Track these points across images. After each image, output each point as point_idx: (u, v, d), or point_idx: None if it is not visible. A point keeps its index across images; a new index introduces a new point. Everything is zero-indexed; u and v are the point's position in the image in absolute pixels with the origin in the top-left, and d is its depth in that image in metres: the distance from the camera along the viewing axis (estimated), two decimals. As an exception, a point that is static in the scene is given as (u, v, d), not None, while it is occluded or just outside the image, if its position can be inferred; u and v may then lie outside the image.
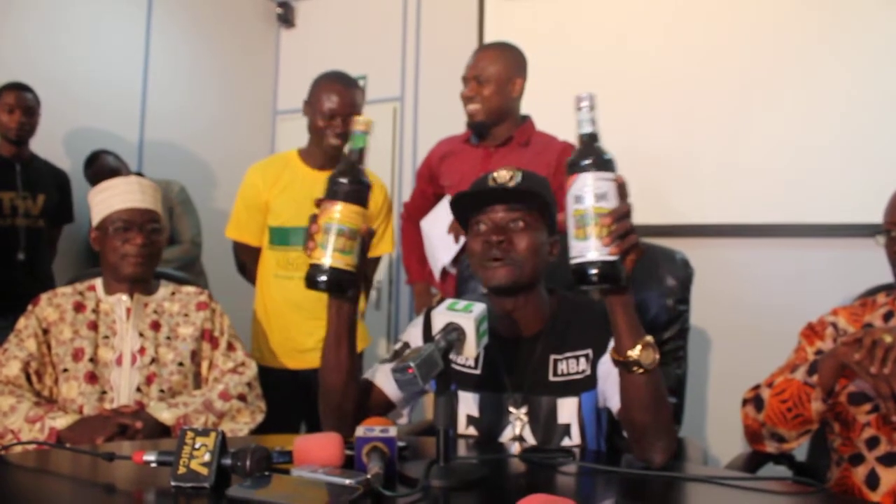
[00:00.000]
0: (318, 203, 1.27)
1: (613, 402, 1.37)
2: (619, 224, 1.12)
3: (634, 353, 1.20)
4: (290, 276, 2.46)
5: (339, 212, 1.24)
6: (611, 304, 1.22)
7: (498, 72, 2.40)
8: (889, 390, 1.29)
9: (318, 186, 2.47)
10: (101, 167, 3.40)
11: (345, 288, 1.27)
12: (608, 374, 1.40)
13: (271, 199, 2.50)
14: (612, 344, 1.42)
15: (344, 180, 1.25)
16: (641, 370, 1.21)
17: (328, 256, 1.23)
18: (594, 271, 1.11)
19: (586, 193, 1.12)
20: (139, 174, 3.59)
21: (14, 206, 2.98)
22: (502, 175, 1.46)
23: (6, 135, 2.99)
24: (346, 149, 1.31)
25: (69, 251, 3.40)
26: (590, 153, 1.14)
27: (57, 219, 3.19)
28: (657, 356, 1.21)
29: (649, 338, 1.22)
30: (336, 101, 2.42)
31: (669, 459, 1.26)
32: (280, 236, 2.50)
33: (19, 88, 3.00)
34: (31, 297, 1.96)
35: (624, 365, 1.22)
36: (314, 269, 1.24)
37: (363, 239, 1.28)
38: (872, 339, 1.33)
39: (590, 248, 1.11)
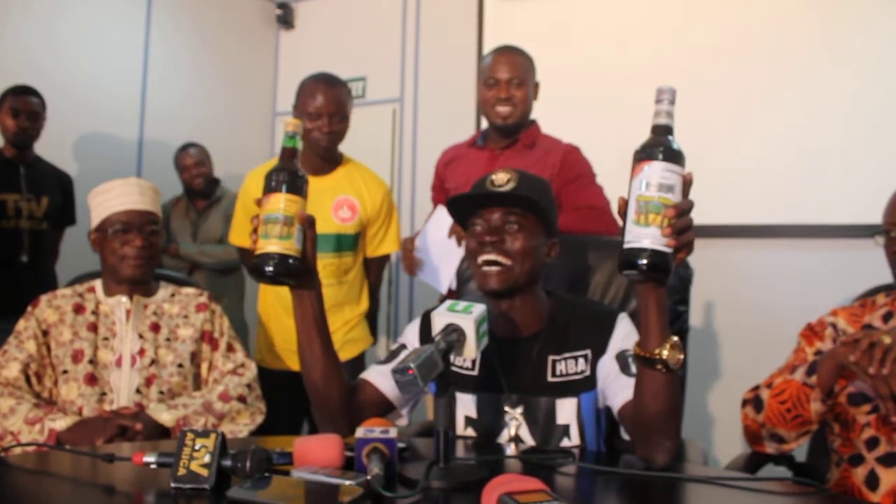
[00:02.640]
0: (259, 202, 1.32)
1: (615, 402, 1.37)
2: (682, 219, 1.11)
3: (662, 351, 1.17)
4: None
5: (275, 201, 1.29)
6: (645, 299, 1.19)
7: (529, 75, 2.42)
8: (888, 391, 1.29)
9: (311, 193, 2.48)
10: (183, 156, 3.74)
11: (291, 273, 1.29)
12: (608, 374, 1.40)
13: None
14: (612, 343, 1.43)
15: (278, 174, 1.31)
16: (664, 369, 1.18)
17: (270, 244, 1.27)
18: (645, 259, 1.09)
19: (654, 181, 1.11)
20: (216, 181, 3.66)
21: (18, 207, 2.99)
22: (500, 178, 1.46)
23: (9, 138, 3.00)
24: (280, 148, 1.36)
25: (78, 253, 3.41)
26: (662, 143, 1.13)
27: (60, 221, 3.19)
28: (681, 357, 1.19)
29: (676, 339, 1.19)
30: (321, 100, 2.42)
31: (671, 461, 1.26)
32: None
33: (24, 93, 3.01)
34: (33, 298, 1.96)
35: (648, 361, 1.19)
36: (259, 259, 1.29)
37: (303, 226, 1.31)
38: (871, 340, 1.33)
39: (647, 235, 1.09)
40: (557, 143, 2.47)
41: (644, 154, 1.13)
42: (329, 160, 2.54)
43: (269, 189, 1.31)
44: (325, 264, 2.46)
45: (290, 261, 1.28)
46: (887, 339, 1.31)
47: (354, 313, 2.60)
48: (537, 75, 2.48)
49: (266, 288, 2.56)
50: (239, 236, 2.62)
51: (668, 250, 1.10)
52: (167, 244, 3.68)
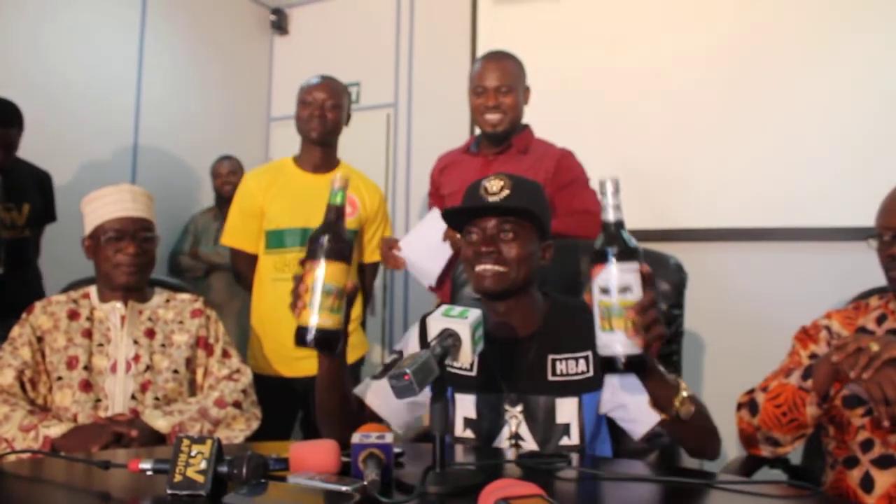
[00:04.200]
0: (302, 262, 1.27)
1: (650, 419, 1.41)
2: (644, 316, 1.14)
3: (674, 411, 1.29)
4: (286, 277, 2.47)
5: (323, 271, 1.23)
6: (640, 379, 1.29)
7: (518, 81, 2.42)
8: (881, 394, 1.29)
9: (311, 189, 2.54)
10: (219, 165, 4.02)
11: (333, 346, 1.28)
12: (629, 388, 1.43)
13: (266, 204, 2.51)
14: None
15: (325, 239, 1.24)
16: (684, 419, 1.30)
17: (315, 316, 1.23)
18: (620, 365, 1.14)
19: (611, 286, 1.13)
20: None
21: None
22: (493, 185, 1.47)
23: None
24: (326, 207, 1.29)
25: (65, 253, 3.38)
26: (614, 242, 1.15)
27: (41, 221, 3.14)
28: (693, 407, 1.30)
29: (683, 391, 1.29)
30: (315, 90, 2.53)
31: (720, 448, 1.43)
32: (276, 239, 2.51)
33: (2, 122, 2.86)
34: (14, 307, 1.95)
35: (670, 422, 1.32)
36: (303, 331, 1.24)
37: (349, 295, 1.28)
38: (858, 345, 1.33)
39: (615, 342, 1.14)
40: (551, 147, 2.48)
41: (598, 257, 1.15)
42: (328, 157, 2.58)
43: (317, 254, 1.24)
44: None
45: (335, 334, 1.25)
46: (875, 347, 1.32)
47: (351, 316, 2.60)
48: (531, 79, 2.48)
49: (261, 294, 2.55)
50: (232, 237, 2.62)
51: (639, 350, 1.14)
52: (191, 246, 3.94)
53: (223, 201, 3.95)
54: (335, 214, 1.27)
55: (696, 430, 1.36)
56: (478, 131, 2.67)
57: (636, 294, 1.14)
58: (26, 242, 3.03)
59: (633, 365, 1.15)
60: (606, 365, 1.16)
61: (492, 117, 2.39)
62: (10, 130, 2.93)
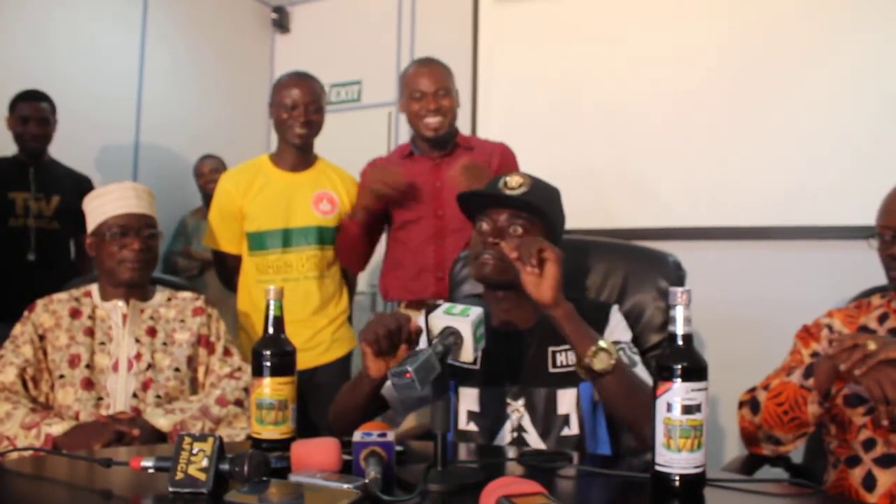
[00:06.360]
0: (252, 384, 1.36)
1: None
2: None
3: (587, 360, 1.31)
4: (270, 279, 2.44)
5: (267, 386, 1.33)
6: (555, 321, 1.34)
7: (452, 84, 2.50)
8: (881, 393, 1.29)
9: (290, 188, 2.53)
10: (202, 164, 3.97)
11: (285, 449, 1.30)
12: None
13: (245, 205, 2.49)
14: (606, 334, 1.51)
15: (266, 354, 1.33)
16: (600, 375, 1.31)
17: (265, 430, 1.33)
18: (677, 483, 1.09)
19: (676, 403, 1.09)
20: None
21: (27, 206, 3.01)
22: (514, 181, 1.49)
23: (21, 145, 3.04)
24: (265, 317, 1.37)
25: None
26: (683, 358, 1.09)
27: (74, 219, 3.18)
28: (612, 361, 1.31)
29: (602, 342, 1.31)
30: (295, 92, 2.47)
31: None
32: (257, 241, 2.49)
33: (34, 98, 3.02)
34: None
35: (586, 372, 1.33)
36: (256, 441, 1.34)
37: (297, 404, 1.36)
38: (855, 342, 1.33)
39: (678, 461, 1.09)
40: (489, 143, 2.56)
41: (666, 374, 1.10)
42: (305, 155, 2.56)
43: (259, 372, 1.33)
44: (309, 256, 2.49)
45: (287, 441, 1.31)
46: (872, 345, 1.31)
47: (338, 311, 2.59)
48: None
49: (247, 296, 2.53)
50: (213, 240, 2.60)
51: (699, 470, 1.10)
52: (183, 246, 3.92)
53: (209, 200, 3.93)
54: (275, 327, 1.36)
55: (622, 396, 1.35)
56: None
57: (704, 413, 1.10)
58: (56, 235, 3.08)
59: (688, 484, 1.09)
60: (659, 484, 1.11)
61: (432, 120, 2.43)
62: (41, 105, 3.02)
